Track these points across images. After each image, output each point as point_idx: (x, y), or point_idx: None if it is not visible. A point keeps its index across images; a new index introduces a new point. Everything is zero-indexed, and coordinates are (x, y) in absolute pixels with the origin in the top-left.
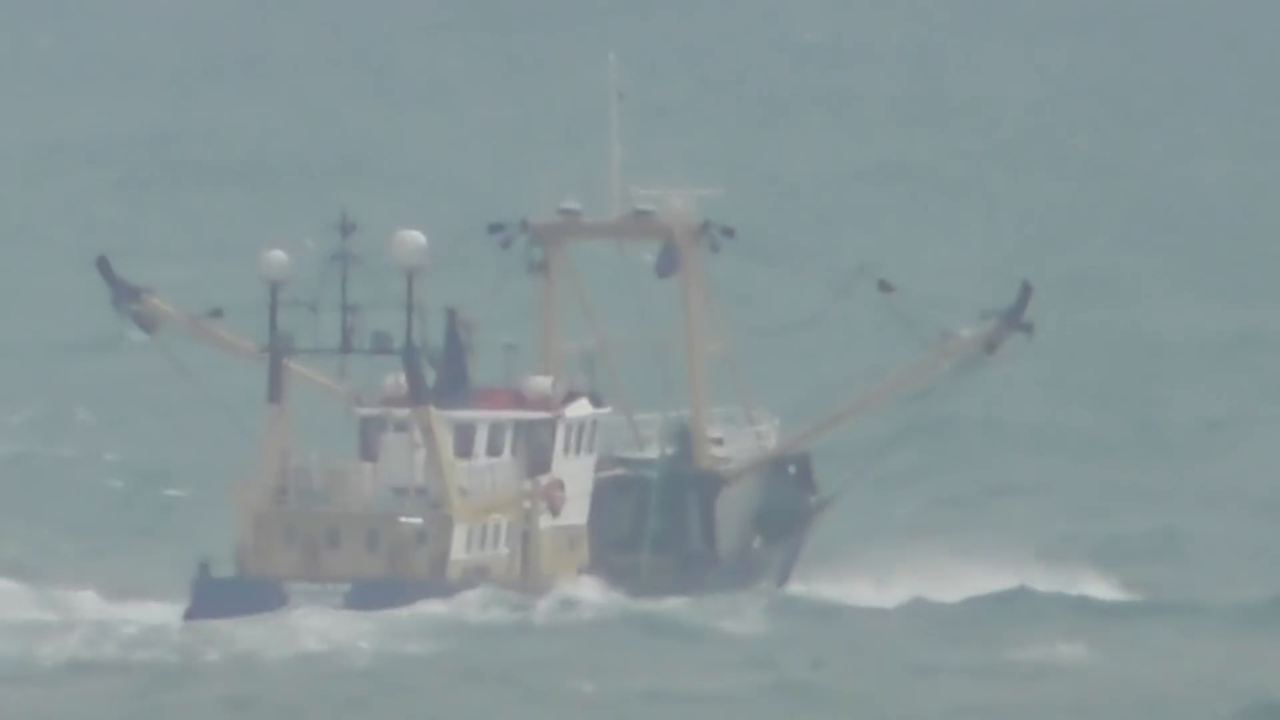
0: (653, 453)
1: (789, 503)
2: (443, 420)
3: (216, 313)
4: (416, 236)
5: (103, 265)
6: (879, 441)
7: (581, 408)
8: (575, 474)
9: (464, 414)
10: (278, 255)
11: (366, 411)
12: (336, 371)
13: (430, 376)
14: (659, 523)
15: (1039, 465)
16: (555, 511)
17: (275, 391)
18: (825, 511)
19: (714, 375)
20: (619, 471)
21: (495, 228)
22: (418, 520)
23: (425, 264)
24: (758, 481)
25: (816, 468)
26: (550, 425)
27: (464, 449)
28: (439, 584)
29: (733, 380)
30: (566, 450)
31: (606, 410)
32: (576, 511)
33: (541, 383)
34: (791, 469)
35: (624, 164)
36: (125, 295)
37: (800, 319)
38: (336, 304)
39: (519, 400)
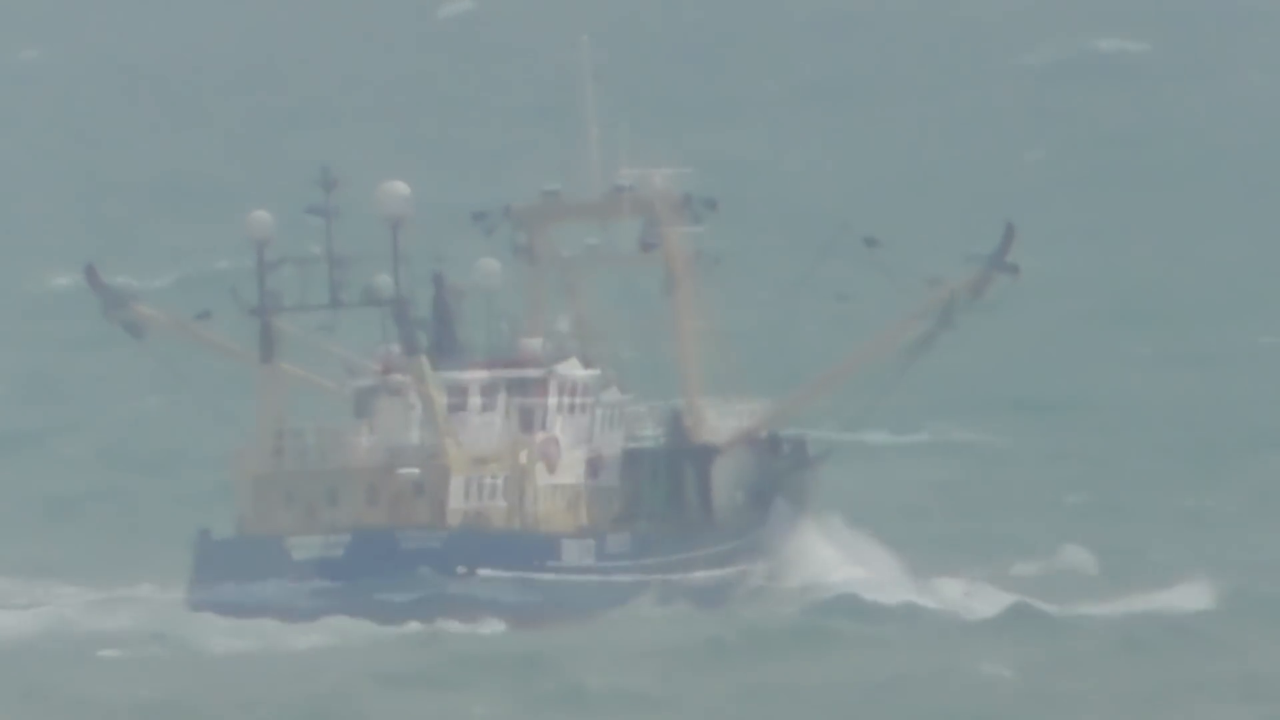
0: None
1: (776, 470)
2: (437, 377)
3: (204, 315)
4: (400, 186)
5: (90, 274)
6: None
7: (572, 366)
8: (571, 432)
9: (457, 374)
10: (262, 215)
11: (361, 382)
12: (327, 326)
13: (421, 337)
14: (661, 489)
15: None
16: (551, 468)
17: (267, 352)
18: (817, 470)
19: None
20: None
21: (479, 215)
22: (415, 471)
23: (409, 214)
24: (746, 452)
25: (810, 441)
26: (542, 383)
27: (458, 406)
28: (438, 531)
29: (720, 356)
30: (560, 409)
31: (597, 372)
32: (573, 472)
33: (532, 342)
34: (786, 446)
35: (601, 141)
36: (113, 302)
37: (793, 281)
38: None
39: (511, 362)
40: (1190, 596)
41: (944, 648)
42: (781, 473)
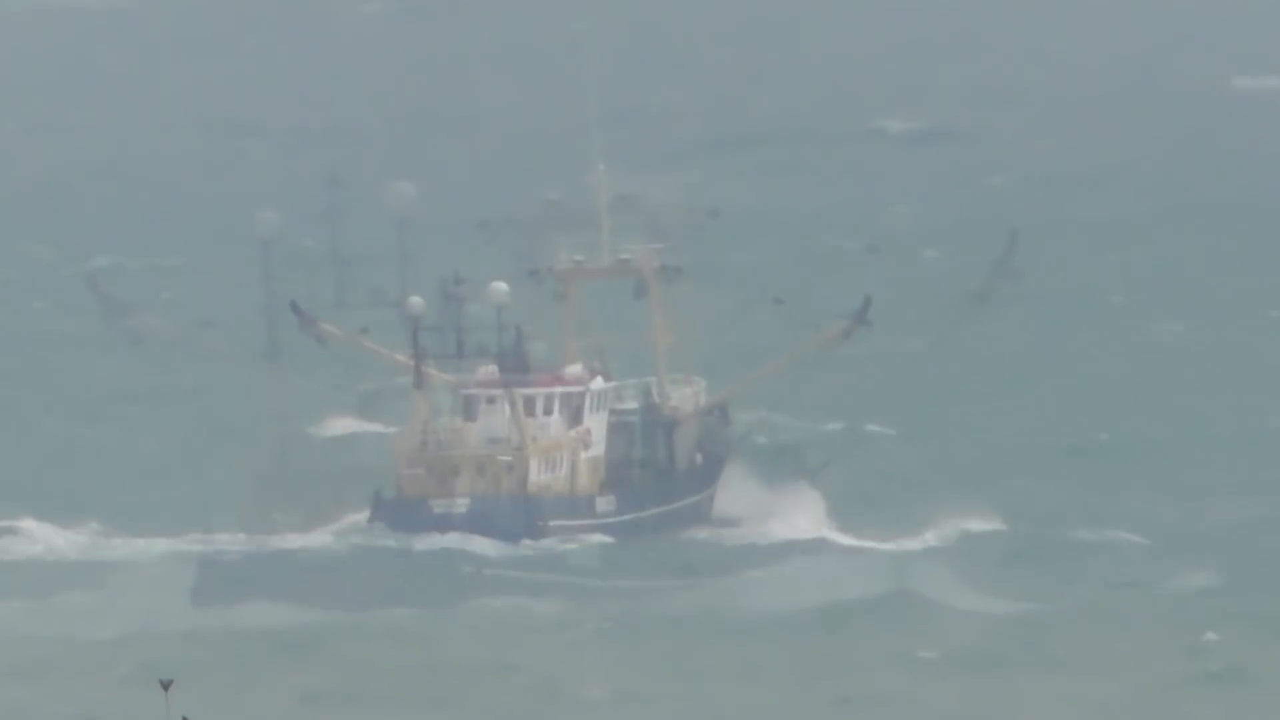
0: (633, 404)
1: (717, 435)
2: (517, 393)
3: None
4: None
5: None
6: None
7: (599, 383)
8: (597, 424)
9: (531, 390)
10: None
11: (468, 391)
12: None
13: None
14: (641, 450)
15: None
16: (587, 448)
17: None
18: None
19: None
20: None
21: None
22: (508, 458)
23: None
24: (698, 422)
25: (732, 412)
26: (581, 395)
27: (530, 411)
28: (522, 497)
29: (684, 357)
30: (592, 410)
31: (614, 384)
32: (598, 448)
33: (575, 369)
34: (716, 413)
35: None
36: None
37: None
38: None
39: (561, 380)
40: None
41: (828, 577)
42: (730, 439)
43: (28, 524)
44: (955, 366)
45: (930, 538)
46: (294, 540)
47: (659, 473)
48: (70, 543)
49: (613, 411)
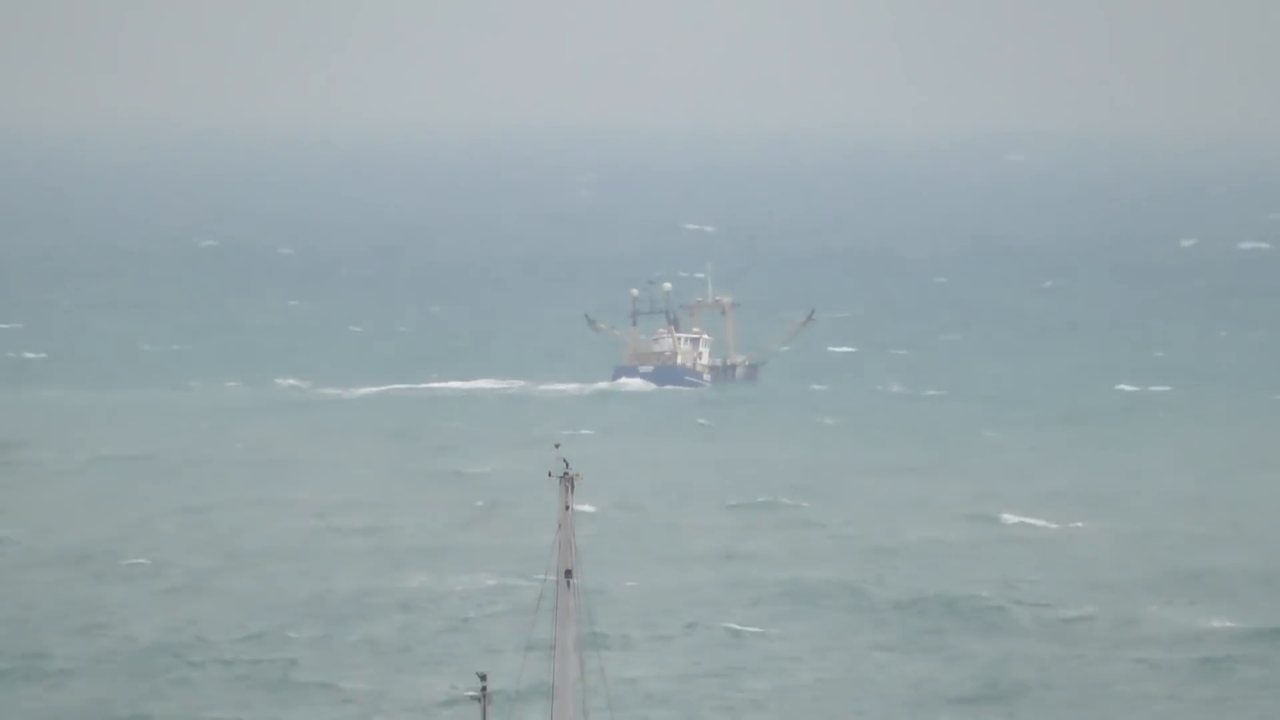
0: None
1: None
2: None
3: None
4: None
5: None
6: None
7: (704, 339)
8: (705, 350)
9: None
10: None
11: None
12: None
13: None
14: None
15: None
16: (699, 357)
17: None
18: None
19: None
20: None
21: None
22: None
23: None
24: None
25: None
26: (697, 338)
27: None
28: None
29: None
30: (698, 346)
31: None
32: (702, 358)
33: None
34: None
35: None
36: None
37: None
38: None
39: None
40: None
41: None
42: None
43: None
44: None
45: None
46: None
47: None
48: None
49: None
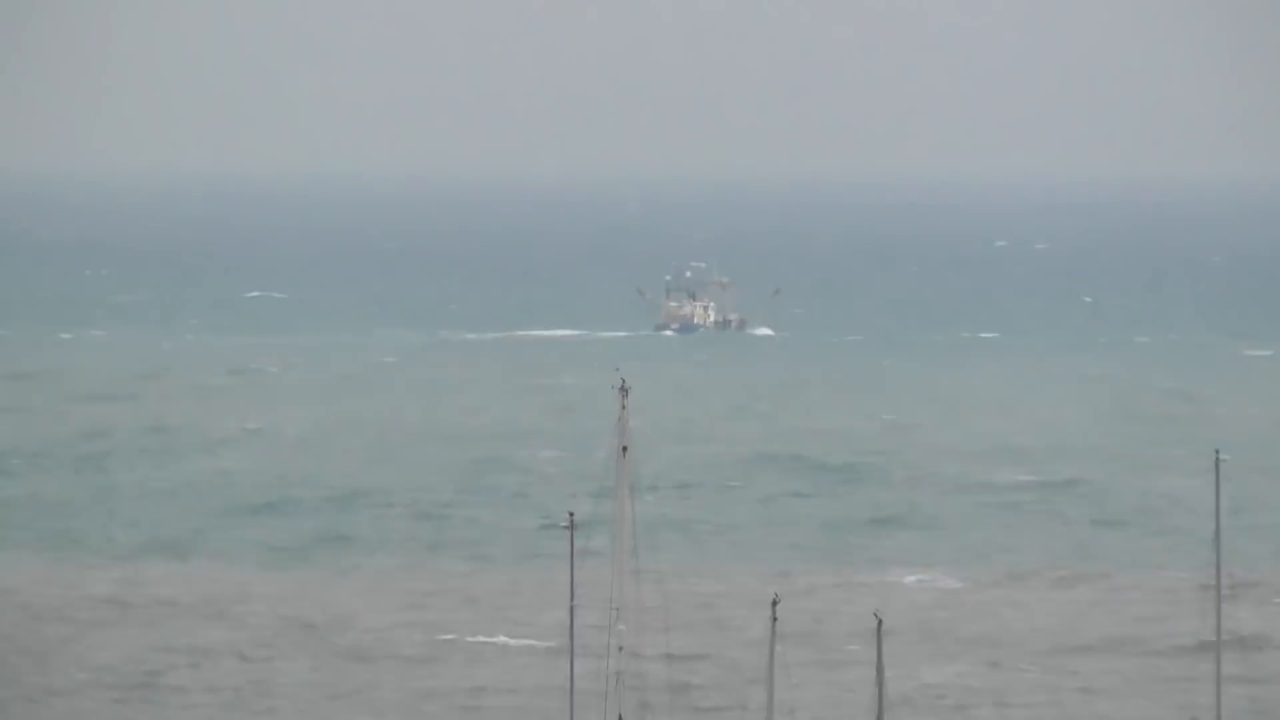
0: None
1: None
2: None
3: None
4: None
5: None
6: None
7: (713, 307)
8: (712, 312)
9: (696, 302)
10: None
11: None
12: None
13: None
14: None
15: None
16: (709, 319)
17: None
18: None
19: None
20: None
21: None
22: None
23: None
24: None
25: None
26: (707, 306)
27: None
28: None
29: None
30: (707, 310)
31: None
32: (710, 319)
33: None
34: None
35: None
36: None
37: None
38: None
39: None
40: None
41: None
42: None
43: None
44: None
45: None
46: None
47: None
48: None
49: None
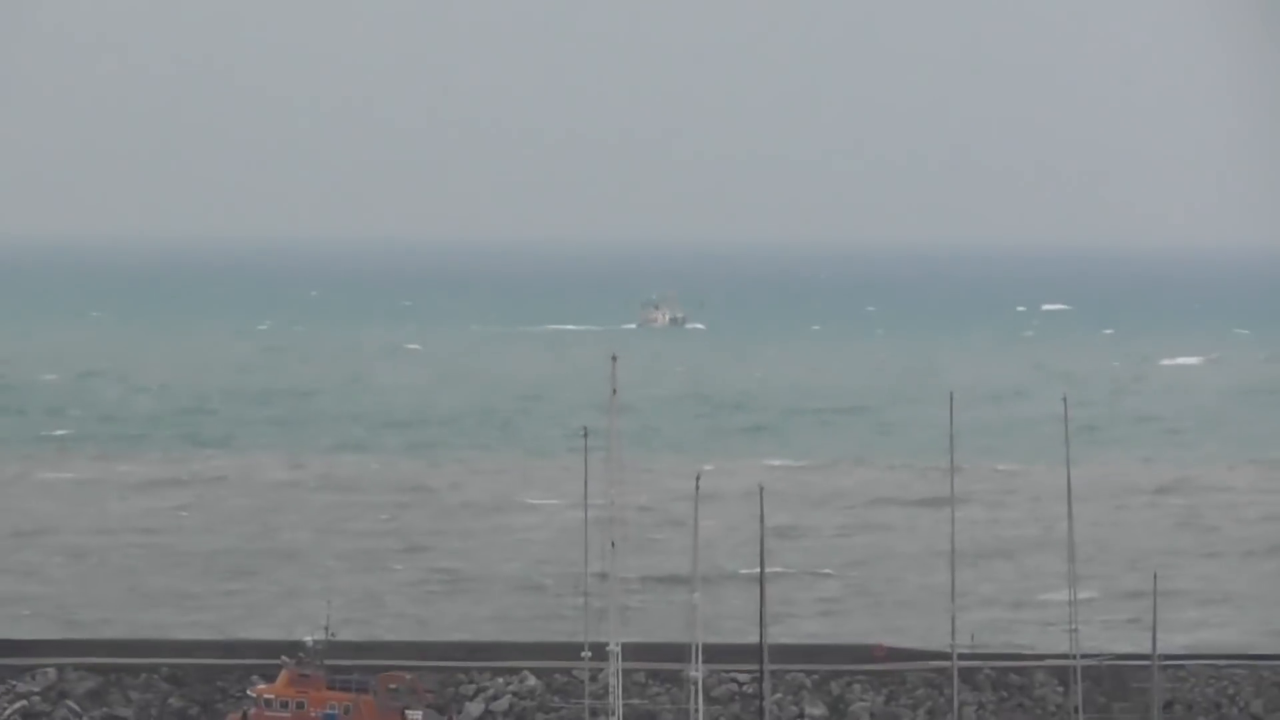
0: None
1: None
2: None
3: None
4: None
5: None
6: None
7: (678, 312)
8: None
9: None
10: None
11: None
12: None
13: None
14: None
15: None
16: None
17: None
18: None
19: None
20: None
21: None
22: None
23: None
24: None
25: None
26: (671, 316)
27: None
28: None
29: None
30: (668, 316)
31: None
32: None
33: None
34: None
35: None
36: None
37: None
38: None
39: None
40: None
41: None
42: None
43: None
44: None
45: None
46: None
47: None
48: None
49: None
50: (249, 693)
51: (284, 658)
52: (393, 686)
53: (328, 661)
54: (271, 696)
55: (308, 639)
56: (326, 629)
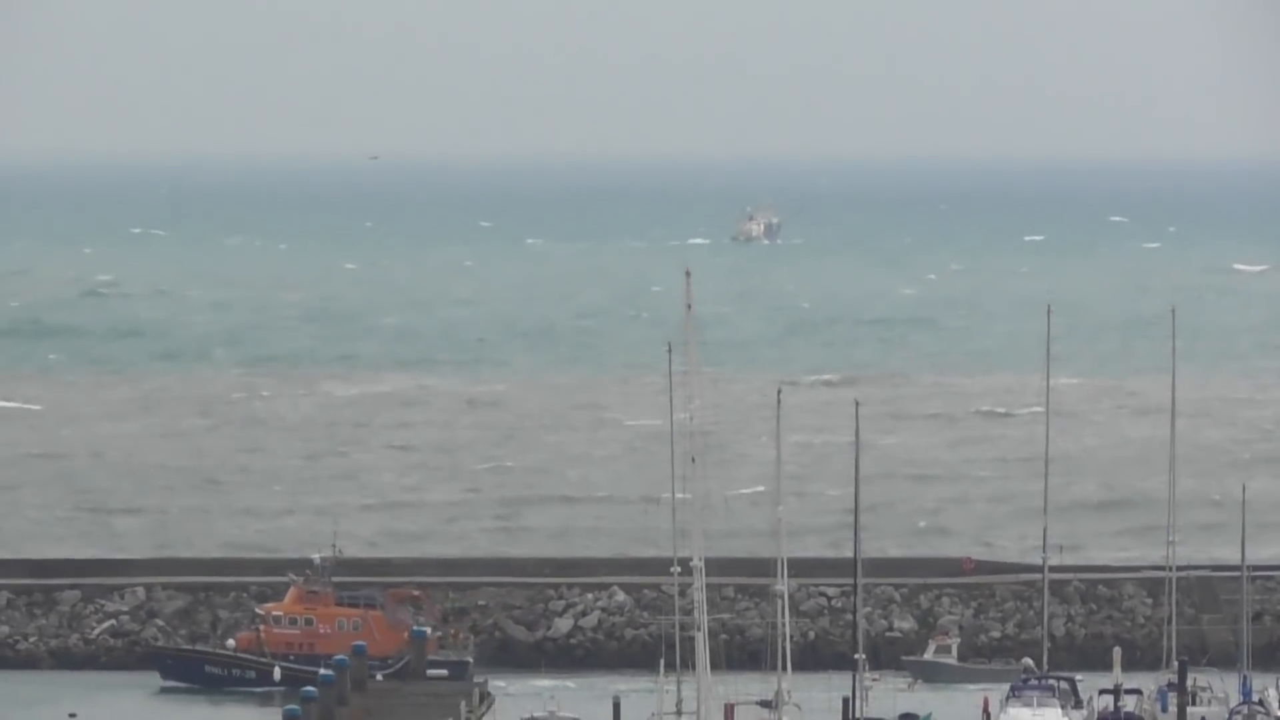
0: None
1: None
2: None
3: None
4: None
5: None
6: None
7: None
8: None
9: None
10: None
11: None
12: None
13: None
14: None
15: None
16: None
17: None
18: None
19: None
20: None
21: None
22: None
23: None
24: None
25: None
26: None
27: None
28: None
29: None
30: None
31: None
32: None
33: None
34: None
35: None
36: None
37: None
38: None
39: None
40: None
41: None
42: None
43: None
44: None
45: None
46: None
47: None
48: None
49: None
50: (257, 609)
51: (291, 575)
52: (403, 602)
53: (335, 579)
54: (280, 614)
55: (315, 556)
56: (334, 546)
